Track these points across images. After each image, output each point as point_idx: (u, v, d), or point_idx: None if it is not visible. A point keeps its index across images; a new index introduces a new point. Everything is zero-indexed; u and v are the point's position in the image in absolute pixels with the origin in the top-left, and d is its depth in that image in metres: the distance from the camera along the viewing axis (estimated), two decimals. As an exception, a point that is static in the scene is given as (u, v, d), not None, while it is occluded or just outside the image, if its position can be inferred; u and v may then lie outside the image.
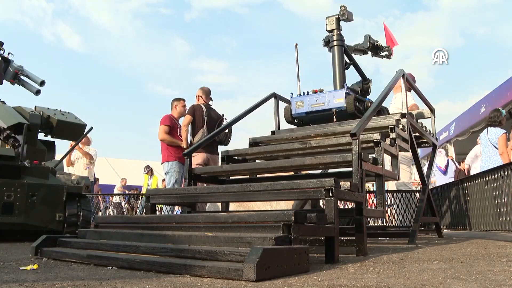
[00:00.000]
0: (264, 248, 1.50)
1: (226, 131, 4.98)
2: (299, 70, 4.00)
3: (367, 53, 4.24)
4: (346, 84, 3.71)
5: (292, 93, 3.92)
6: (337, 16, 3.87)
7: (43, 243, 2.31)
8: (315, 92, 3.75)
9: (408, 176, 5.18)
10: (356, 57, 4.14)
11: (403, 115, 3.33)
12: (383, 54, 4.25)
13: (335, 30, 3.90)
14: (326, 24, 3.91)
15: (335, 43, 3.87)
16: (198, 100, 5.33)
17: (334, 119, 3.60)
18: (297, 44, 4.04)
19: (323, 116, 3.71)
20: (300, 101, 3.78)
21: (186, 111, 5.31)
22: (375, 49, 4.16)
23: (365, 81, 3.99)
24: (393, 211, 5.31)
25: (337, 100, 3.59)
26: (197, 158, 4.90)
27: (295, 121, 3.98)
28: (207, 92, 5.37)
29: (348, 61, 3.98)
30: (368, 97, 3.96)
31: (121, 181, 13.04)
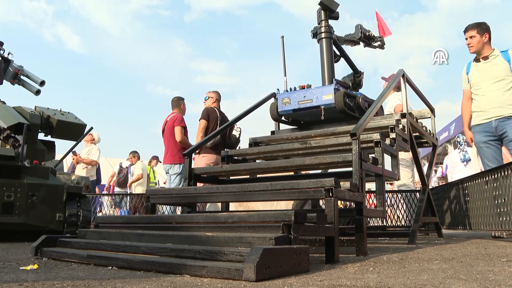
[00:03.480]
0: (264, 248, 1.50)
1: (238, 136, 5.06)
2: (286, 64, 3.81)
3: (359, 43, 4.00)
4: (335, 80, 3.50)
5: (278, 89, 3.73)
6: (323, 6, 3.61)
7: (43, 243, 2.31)
8: (302, 87, 3.56)
9: (409, 177, 5.18)
10: (348, 49, 3.93)
11: (403, 115, 3.33)
12: (376, 44, 4.00)
13: (323, 21, 3.65)
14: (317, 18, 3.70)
15: (323, 35, 3.64)
16: (213, 102, 5.33)
17: (322, 117, 3.43)
18: (283, 37, 3.81)
19: (311, 113, 3.57)
20: (286, 98, 3.59)
21: (201, 114, 5.23)
22: (367, 39, 3.91)
23: (356, 74, 3.83)
24: (393, 211, 5.31)
25: (326, 96, 3.39)
26: (208, 159, 4.92)
27: (282, 118, 3.83)
28: (219, 96, 5.41)
29: (338, 53, 3.78)
30: (360, 91, 3.81)
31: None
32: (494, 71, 3.85)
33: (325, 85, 3.52)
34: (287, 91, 3.66)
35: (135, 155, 9.21)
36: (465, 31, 3.97)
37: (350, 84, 3.80)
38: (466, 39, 3.96)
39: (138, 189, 8.64)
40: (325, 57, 3.64)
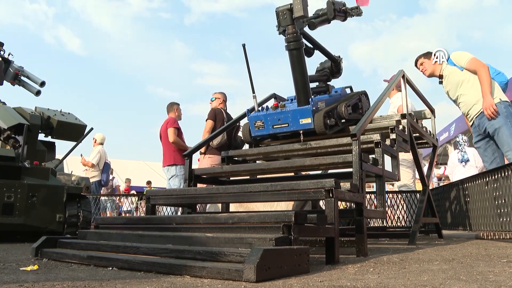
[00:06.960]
0: (264, 249, 1.50)
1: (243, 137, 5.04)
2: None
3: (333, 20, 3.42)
4: (312, 100, 3.01)
5: (248, 110, 3.29)
6: (289, 7, 2.82)
7: (43, 244, 2.31)
8: (276, 107, 3.14)
9: (410, 177, 5.17)
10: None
11: (403, 116, 3.33)
12: (353, 14, 3.51)
13: (289, 27, 2.86)
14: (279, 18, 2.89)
15: (291, 46, 2.91)
16: (220, 103, 5.34)
17: (301, 140, 3.08)
18: (244, 45, 3.14)
19: (288, 136, 3.30)
20: (259, 121, 3.16)
21: (208, 115, 5.18)
22: (342, 13, 3.38)
23: (335, 63, 3.57)
24: (393, 212, 5.31)
25: (304, 120, 3.01)
26: (214, 160, 4.92)
27: (257, 140, 3.47)
28: (226, 97, 5.43)
29: (311, 46, 3.32)
30: (348, 87, 3.67)
31: (126, 182, 13.09)
32: (453, 80, 4.04)
33: (301, 107, 3.05)
34: (259, 110, 3.23)
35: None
36: (415, 64, 4.26)
37: (329, 72, 3.57)
38: (418, 69, 4.23)
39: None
40: (298, 73, 3.03)
